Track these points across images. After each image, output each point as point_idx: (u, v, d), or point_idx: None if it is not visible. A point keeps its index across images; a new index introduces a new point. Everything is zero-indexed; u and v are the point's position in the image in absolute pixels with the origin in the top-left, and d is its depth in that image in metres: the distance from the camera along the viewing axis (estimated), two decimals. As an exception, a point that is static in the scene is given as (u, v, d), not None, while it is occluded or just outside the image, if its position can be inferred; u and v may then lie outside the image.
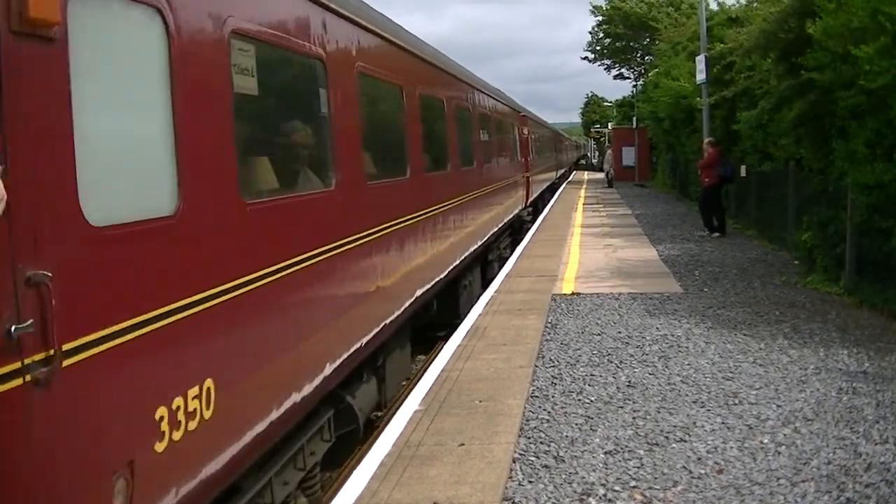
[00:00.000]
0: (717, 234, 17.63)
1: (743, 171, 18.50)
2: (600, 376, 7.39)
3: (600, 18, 60.27)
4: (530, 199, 23.13)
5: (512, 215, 18.29)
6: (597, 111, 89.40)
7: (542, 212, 26.66)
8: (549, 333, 9.05)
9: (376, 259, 6.81)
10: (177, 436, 3.56)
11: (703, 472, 5.20)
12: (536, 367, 7.71)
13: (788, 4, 11.70)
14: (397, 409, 6.89)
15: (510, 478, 5.18)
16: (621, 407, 6.54)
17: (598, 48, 63.22)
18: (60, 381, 2.88)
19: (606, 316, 9.88)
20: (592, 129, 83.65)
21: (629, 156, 45.12)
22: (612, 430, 6.00)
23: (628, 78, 62.85)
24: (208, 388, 3.84)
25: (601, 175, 48.12)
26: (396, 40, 8.09)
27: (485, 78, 17.07)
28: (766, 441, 5.69)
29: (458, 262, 10.83)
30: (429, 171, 9.57)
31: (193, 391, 3.72)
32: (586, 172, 64.75)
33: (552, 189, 36.36)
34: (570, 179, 52.80)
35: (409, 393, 7.31)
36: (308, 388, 5.13)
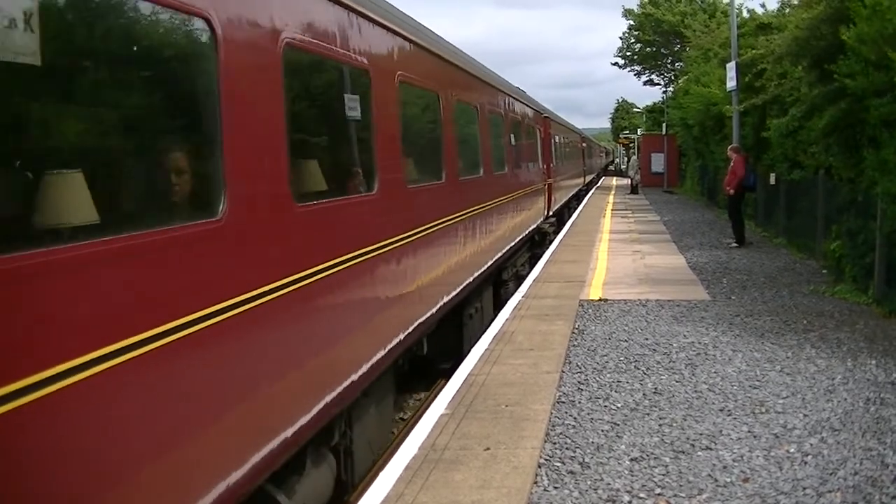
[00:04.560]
0: (735, 245, 17.12)
1: (772, 179, 18.35)
2: (627, 383, 7.40)
3: (631, 23, 60.07)
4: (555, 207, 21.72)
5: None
6: (626, 117, 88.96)
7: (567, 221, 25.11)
8: (576, 339, 9.07)
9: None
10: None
11: (728, 480, 5.21)
12: (563, 372, 7.74)
13: (821, 10, 11.62)
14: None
15: (535, 483, 5.22)
16: (647, 414, 6.55)
17: (628, 54, 62.97)
18: None
19: (634, 322, 9.88)
20: (622, 135, 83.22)
21: (658, 162, 44.86)
22: (638, 437, 6.02)
23: (658, 84, 62.51)
24: None
25: (628, 181, 47.90)
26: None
27: (513, 83, 17.10)
28: (792, 450, 5.68)
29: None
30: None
31: None
32: (615, 178, 64.51)
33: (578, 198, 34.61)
34: (598, 185, 52.62)
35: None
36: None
